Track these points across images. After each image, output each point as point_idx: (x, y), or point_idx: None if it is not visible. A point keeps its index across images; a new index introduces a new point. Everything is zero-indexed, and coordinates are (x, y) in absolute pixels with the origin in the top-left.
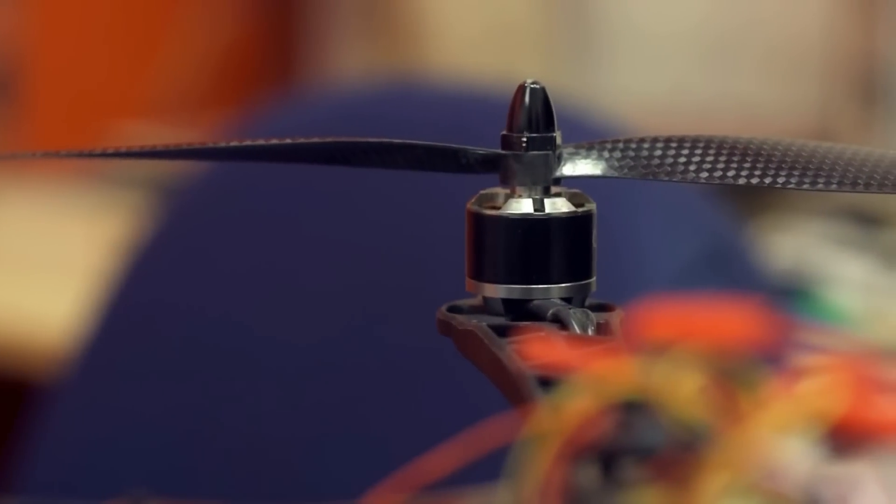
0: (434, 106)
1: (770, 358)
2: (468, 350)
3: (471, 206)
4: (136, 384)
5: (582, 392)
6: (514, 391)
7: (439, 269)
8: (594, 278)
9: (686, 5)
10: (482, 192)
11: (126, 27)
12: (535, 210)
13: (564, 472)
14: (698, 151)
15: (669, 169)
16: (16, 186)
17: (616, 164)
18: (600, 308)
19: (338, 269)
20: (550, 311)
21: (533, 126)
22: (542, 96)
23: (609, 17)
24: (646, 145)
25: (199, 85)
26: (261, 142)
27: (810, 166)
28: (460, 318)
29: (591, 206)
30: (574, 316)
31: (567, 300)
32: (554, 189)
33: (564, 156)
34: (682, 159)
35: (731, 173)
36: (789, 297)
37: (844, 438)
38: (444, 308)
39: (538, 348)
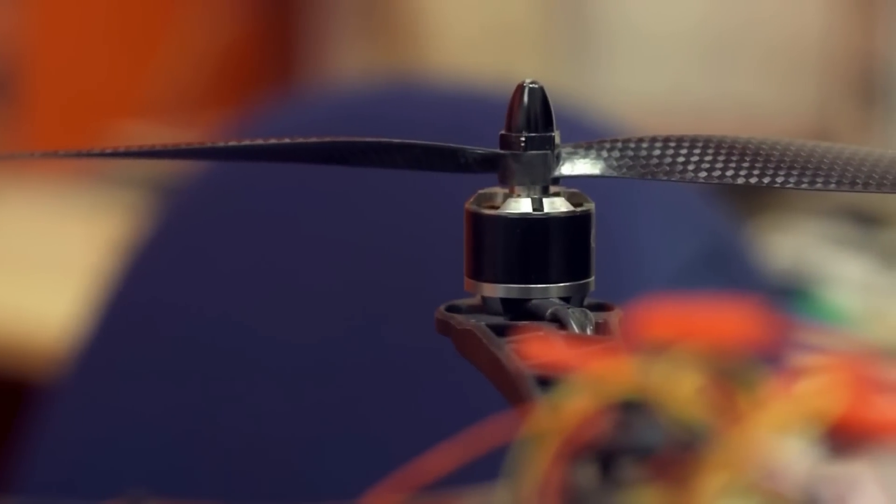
0: (433, 106)
1: (769, 358)
2: (467, 350)
3: (469, 205)
4: (135, 384)
5: (580, 391)
6: (513, 391)
7: (438, 268)
8: (593, 278)
9: (685, 5)
10: (481, 191)
11: (125, 27)
12: (534, 210)
13: (563, 471)
14: (697, 151)
15: (668, 168)
16: (15, 186)
17: (615, 163)
18: (599, 308)
19: (337, 268)
20: (549, 311)
21: (531, 126)
22: (540, 96)
23: (607, 17)
24: (644, 145)
25: (198, 85)
26: (259, 141)
27: (809, 166)
28: (459, 317)
29: (590, 206)
30: (573, 315)
31: (566, 300)
32: (552, 189)
33: (563, 155)
34: (681, 159)
35: (729, 173)
36: (788, 296)
37: (843, 438)
38: (442, 308)
39: (537, 348)
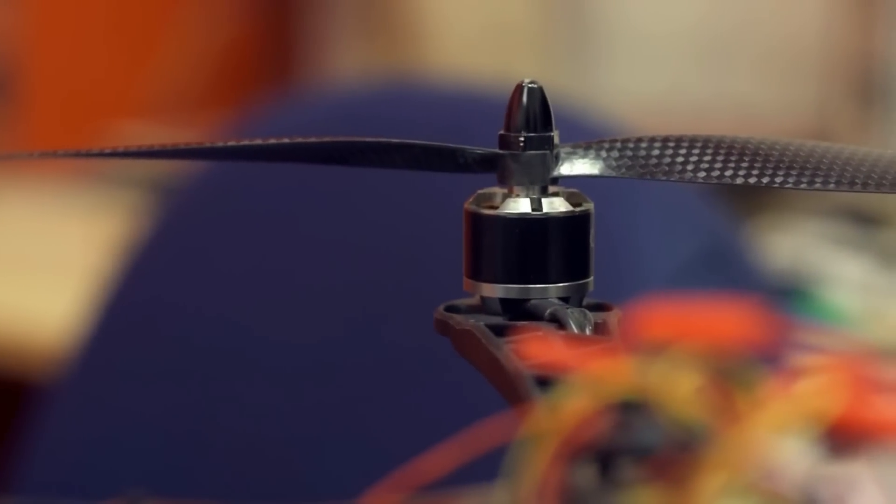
0: (432, 106)
1: (767, 358)
2: (466, 350)
3: (468, 205)
4: (135, 384)
5: (579, 392)
6: (512, 391)
7: (437, 268)
8: (592, 278)
9: (683, 5)
10: (480, 191)
11: (124, 26)
12: (533, 210)
13: (562, 471)
14: (696, 151)
15: (667, 168)
16: (13, 186)
17: (613, 163)
18: (598, 308)
19: (336, 268)
20: (548, 311)
21: (530, 126)
22: (539, 96)
23: (606, 17)
24: (643, 145)
25: (197, 85)
26: (258, 141)
27: (808, 166)
28: (458, 317)
29: (589, 206)
30: (572, 315)
31: (565, 300)
32: (551, 189)
33: (562, 155)
34: (680, 159)
35: (728, 173)
36: (787, 296)
37: (842, 438)
38: (441, 308)
39: (536, 348)
